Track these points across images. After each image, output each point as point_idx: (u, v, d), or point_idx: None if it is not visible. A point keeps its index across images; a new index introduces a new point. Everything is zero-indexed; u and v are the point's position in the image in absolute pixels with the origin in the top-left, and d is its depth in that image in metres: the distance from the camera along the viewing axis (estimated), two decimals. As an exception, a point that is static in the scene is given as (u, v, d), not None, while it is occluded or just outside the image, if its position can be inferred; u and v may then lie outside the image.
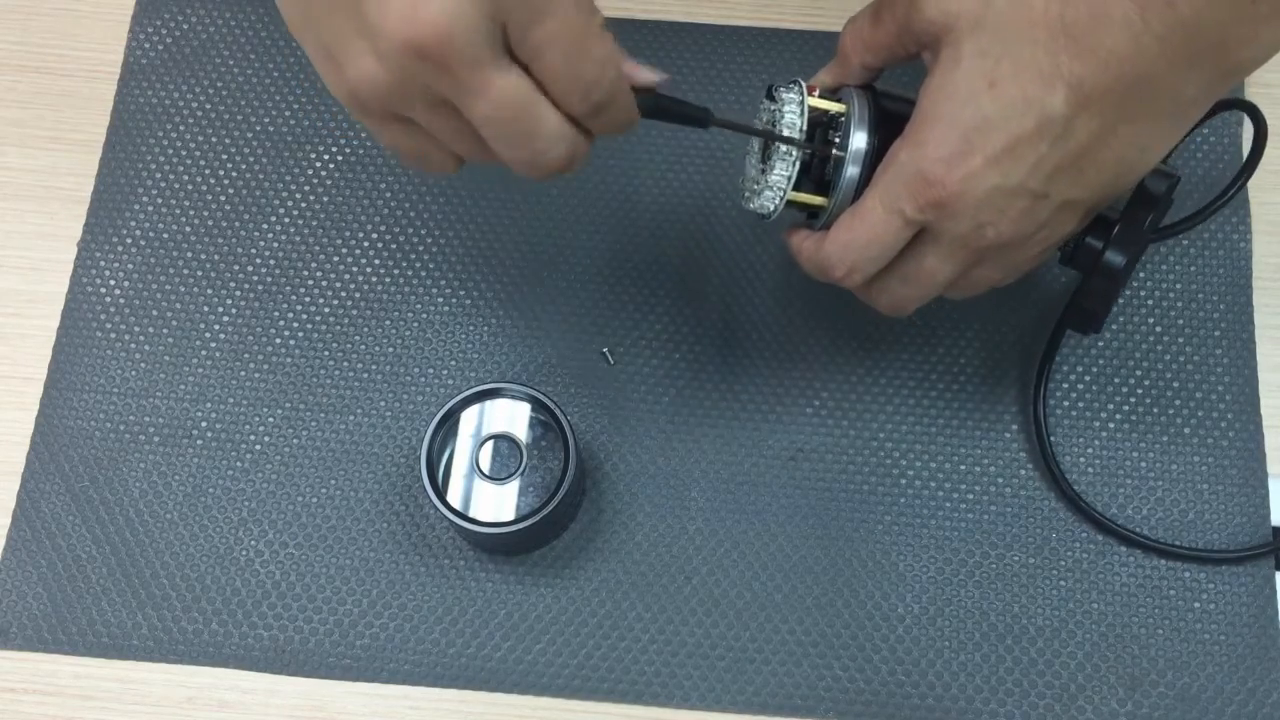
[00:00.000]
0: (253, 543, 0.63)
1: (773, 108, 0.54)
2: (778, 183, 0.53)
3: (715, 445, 0.65)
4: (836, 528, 0.63)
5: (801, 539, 0.63)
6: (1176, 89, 0.47)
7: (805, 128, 0.52)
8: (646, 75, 0.48)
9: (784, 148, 0.52)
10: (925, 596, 0.62)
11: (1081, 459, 0.64)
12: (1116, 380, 0.66)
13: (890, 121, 0.51)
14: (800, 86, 0.53)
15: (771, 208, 0.53)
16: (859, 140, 0.52)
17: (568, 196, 0.69)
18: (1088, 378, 0.66)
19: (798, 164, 0.52)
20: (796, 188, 0.53)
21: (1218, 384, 0.65)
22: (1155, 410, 0.65)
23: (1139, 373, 0.66)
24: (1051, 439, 0.64)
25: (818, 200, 0.53)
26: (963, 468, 0.64)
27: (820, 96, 0.53)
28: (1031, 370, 0.65)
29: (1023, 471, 0.64)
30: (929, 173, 0.48)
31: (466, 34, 0.40)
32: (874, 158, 0.51)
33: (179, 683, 0.61)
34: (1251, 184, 0.68)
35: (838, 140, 0.52)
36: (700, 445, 0.65)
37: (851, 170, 0.52)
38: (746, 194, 0.55)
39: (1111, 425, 0.65)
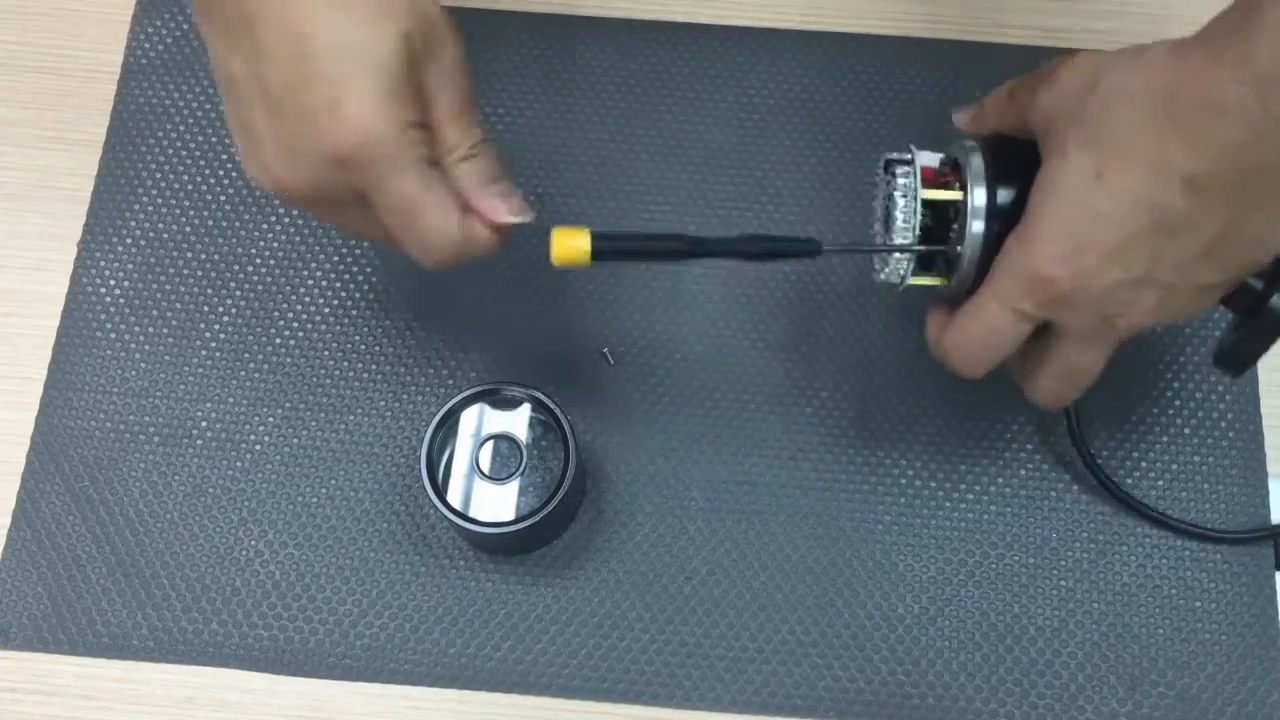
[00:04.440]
0: (253, 543, 0.63)
1: (889, 182, 0.53)
2: (896, 270, 0.53)
3: (715, 445, 0.65)
4: (836, 528, 0.63)
5: (801, 539, 0.63)
6: None
7: (918, 227, 0.52)
8: (505, 217, 0.52)
9: (900, 223, 0.52)
10: (925, 596, 0.62)
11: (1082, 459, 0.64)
12: (1116, 380, 0.66)
13: (1013, 192, 0.50)
14: (914, 171, 0.52)
15: (895, 282, 0.54)
16: (976, 228, 0.51)
17: (567, 196, 0.69)
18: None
19: (913, 259, 0.52)
20: (918, 271, 0.53)
21: (1218, 384, 0.65)
22: (1155, 410, 0.65)
23: (1140, 373, 0.66)
24: (1031, 431, 0.64)
25: (939, 282, 0.54)
26: (962, 468, 0.64)
27: (938, 173, 0.52)
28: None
29: (1023, 471, 0.64)
30: (1042, 271, 0.48)
31: (329, 188, 0.49)
32: (994, 240, 0.50)
33: (179, 683, 0.61)
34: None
35: (954, 233, 0.52)
36: (700, 445, 0.65)
37: (970, 253, 0.51)
38: (875, 264, 0.55)
39: (1112, 425, 0.65)
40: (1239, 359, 0.54)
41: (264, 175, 0.50)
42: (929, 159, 0.53)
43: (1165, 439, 0.65)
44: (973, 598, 0.62)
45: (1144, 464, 0.64)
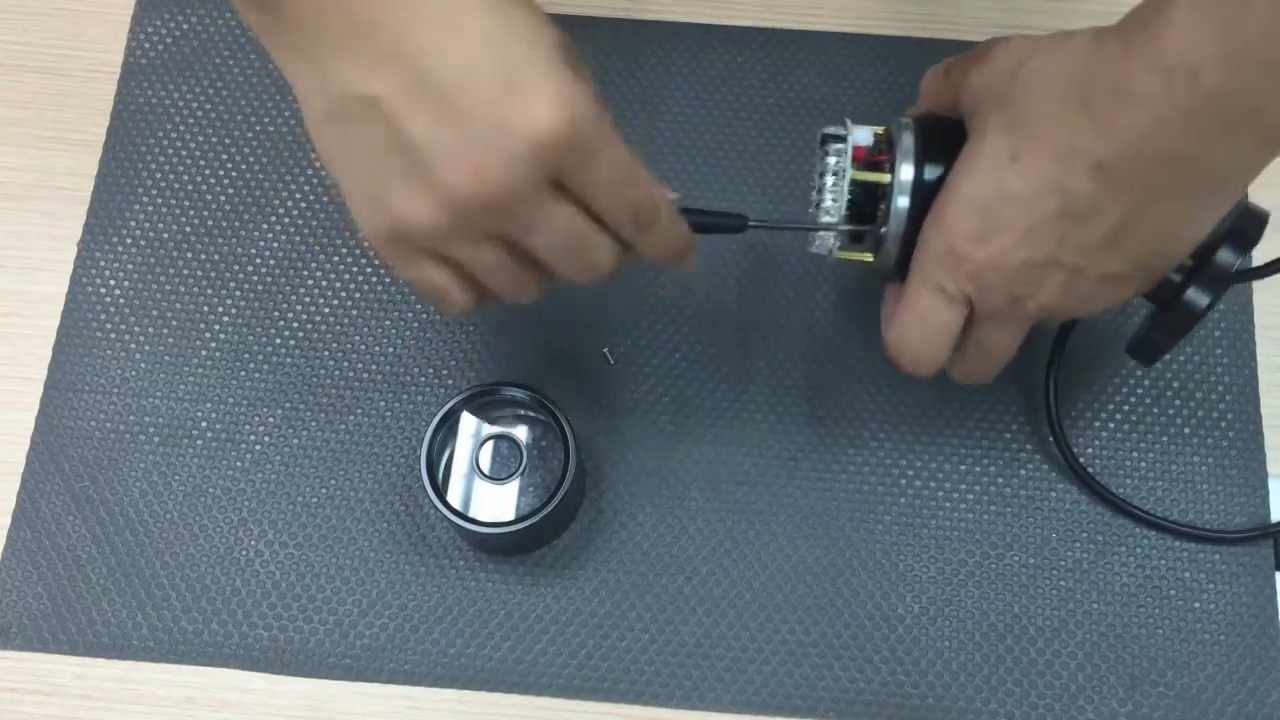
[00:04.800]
0: (253, 543, 0.63)
1: (821, 159, 0.54)
2: (825, 244, 0.55)
3: (715, 445, 0.65)
4: (836, 528, 0.63)
5: (801, 539, 0.63)
6: (1212, 162, 0.45)
7: (845, 207, 0.53)
8: (669, 193, 0.50)
9: (828, 202, 0.53)
10: (925, 596, 0.62)
11: (1082, 458, 0.64)
12: (1116, 380, 0.66)
13: (940, 170, 0.51)
14: (846, 150, 0.53)
15: (824, 254, 0.55)
16: (900, 203, 0.52)
17: (568, 196, 0.69)
18: (1088, 378, 0.66)
19: (843, 234, 0.54)
20: (848, 245, 0.55)
21: (1218, 384, 0.65)
22: (1155, 410, 0.65)
23: (1139, 373, 0.66)
24: (1030, 430, 0.64)
25: (867, 257, 0.55)
26: (962, 468, 0.64)
27: (872, 151, 0.53)
28: (1031, 369, 0.65)
29: (1023, 471, 0.64)
30: (957, 248, 0.49)
31: (527, 187, 0.44)
32: (919, 217, 0.51)
33: (179, 683, 0.61)
34: (1252, 184, 0.68)
35: (881, 211, 0.53)
36: (700, 445, 0.65)
37: (894, 229, 0.52)
38: (808, 236, 0.56)
39: (1111, 425, 0.65)
40: (1149, 350, 0.55)
41: (433, 199, 0.44)
42: (864, 136, 0.54)
43: (1165, 439, 0.65)
44: (973, 598, 0.62)
45: (1144, 464, 0.64)
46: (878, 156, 0.53)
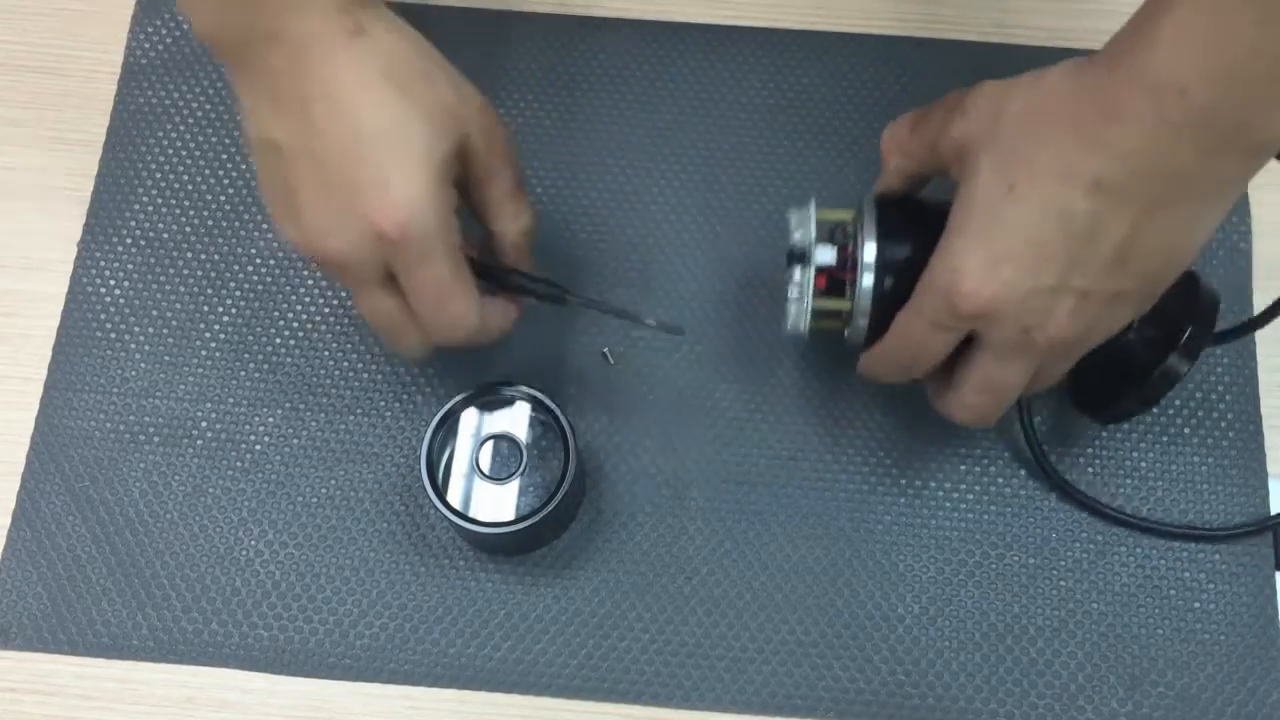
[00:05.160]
0: (253, 543, 0.63)
1: (788, 277, 0.57)
2: (796, 325, 0.57)
3: (715, 445, 0.65)
4: (836, 528, 0.63)
5: (801, 539, 0.63)
6: (1205, 173, 0.46)
7: (810, 321, 0.57)
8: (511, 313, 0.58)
9: (795, 291, 0.57)
10: (925, 596, 0.62)
11: (1081, 458, 0.64)
12: (1116, 380, 0.66)
13: (906, 248, 0.54)
14: (809, 276, 0.56)
15: (800, 334, 0.58)
16: (864, 305, 0.55)
17: (567, 197, 0.69)
18: (1088, 378, 0.66)
19: (810, 316, 0.57)
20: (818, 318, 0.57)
21: (1218, 384, 0.65)
22: (1155, 410, 0.65)
23: (1139, 373, 0.66)
24: (1038, 430, 0.64)
25: (840, 325, 0.57)
26: (962, 468, 0.64)
27: (831, 276, 0.56)
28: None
29: (1023, 471, 0.64)
30: (962, 286, 0.49)
31: (360, 265, 0.52)
32: (887, 303, 0.54)
33: (179, 683, 0.61)
34: (1251, 184, 0.68)
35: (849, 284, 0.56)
36: (700, 445, 0.65)
37: (863, 318, 0.55)
38: (783, 320, 0.59)
39: (1111, 425, 0.65)
40: (1118, 412, 0.59)
41: (299, 237, 0.52)
42: (826, 256, 0.56)
43: (1165, 439, 0.65)
44: (973, 598, 0.62)
45: (1144, 464, 0.64)
46: (841, 274, 0.56)
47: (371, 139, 0.50)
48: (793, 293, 0.57)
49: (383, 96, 0.50)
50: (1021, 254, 0.47)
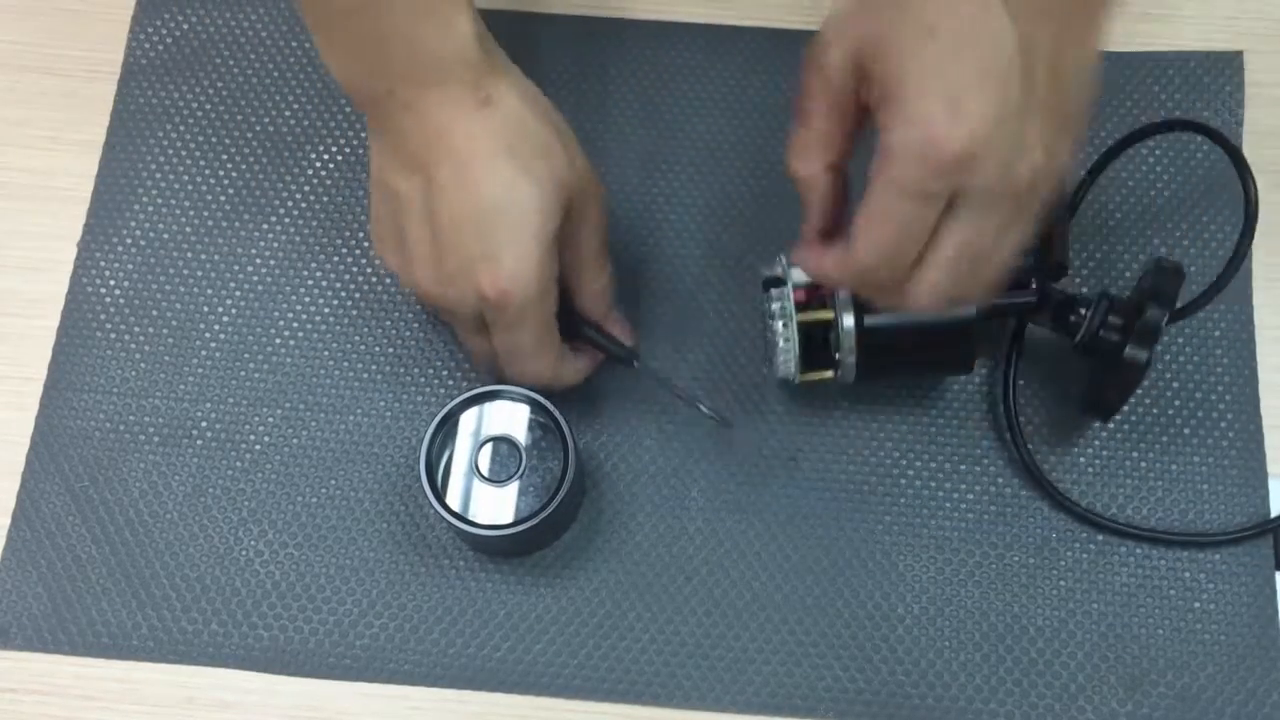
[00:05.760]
0: (253, 543, 0.63)
1: (766, 306, 0.60)
2: (787, 370, 0.60)
3: (715, 445, 0.65)
4: (836, 528, 0.63)
5: (801, 539, 0.63)
6: None
7: (798, 348, 0.59)
8: (628, 338, 0.63)
9: (781, 341, 0.59)
10: (925, 596, 0.62)
11: (1081, 459, 0.64)
12: (1116, 380, 0.66)
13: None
14: (787, 294, 0.59)
15: (790, 378, 0.61)
16: (847, 323, 0.58)
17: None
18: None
19: (798, 358, 0.59)
20: (807, 369, 0.60)
21: (1218, 384, 0.65)
22: (1155, 410, 0.65)
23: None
24: (1032, 431, 0.64)
25: (826, 376, 0.60)
26: (962, 468, 0.64)
27: (809, 294, 0.59)
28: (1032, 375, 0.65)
29: (1023, 472, 0.64)
30: (936, 136, 0.45)
31: (460, 318, 0.58)
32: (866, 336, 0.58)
33: (179, 683, 0.61)
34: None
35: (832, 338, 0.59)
36: (700, 445, 0.65)
37: (847, 346, 0.59)
38: (767, 367, 0.63)
39: (1111, 426, 0.65)
40: (1105, 407, 0.60)
41: (404, 277, 0.58)
42: (801, 276, 0.58)
43: (1165, 439, 0.65)
44: (973, 598, 0.62)
45: (1144, 464, 0.64)
46: (819, 291, 0.59)
47: (489, 213, 0.54)
48: (777, 328, 0.59)
49: (504, 171, 0.54)
50: (977, 83, 0.46)
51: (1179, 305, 0.60)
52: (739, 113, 0.71)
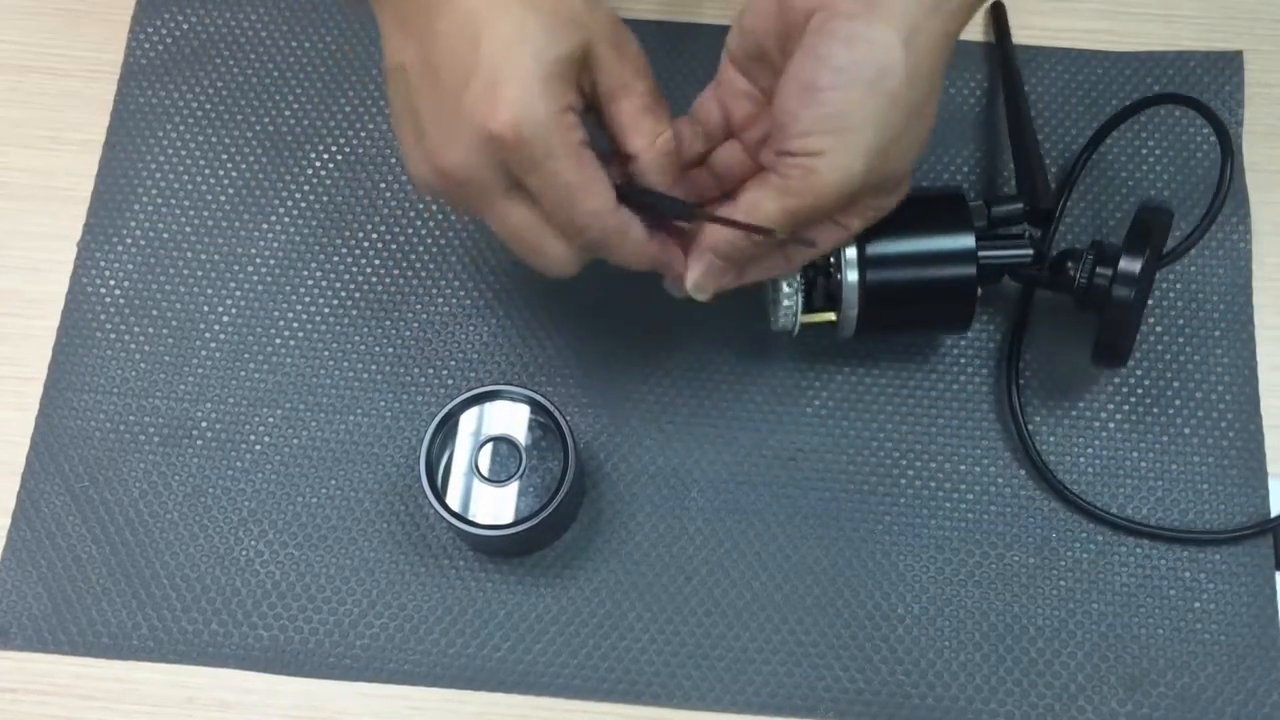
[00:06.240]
0: (253, 543, 0.63)
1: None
2: (788, 320, 0.60)
3: (715, 445, 0.65)
4: (836, 528, 0.63)
5: (801, 539, 0.63)
6: None
7: (800, 294, 0.59)
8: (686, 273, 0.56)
9: (785, 286, 0.59)
10: (925, 596, 0.62)
11: (1081, 459, 0.64)
12: (1116, 380, 0.66)
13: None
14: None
15: (789, 329, 0.61)
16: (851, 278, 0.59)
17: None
18: (1088, 378, 0.66)
19: (799, 310, 0.60)
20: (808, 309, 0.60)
21: (1218, 384, 0.65)
22: (1155, 410, 0.65)
23: (1139, 373, 0.66)
24: (1033, 431, 0.64)
25: (829, 318, 0.60)
26: (963, 468, 0.64)
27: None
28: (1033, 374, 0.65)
29: (1023, 471, 0.64)
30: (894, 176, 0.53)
31: (479, 173, 0.50)
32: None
33: (179, 683, 0.61)
34: (1251, 184, 0.69)
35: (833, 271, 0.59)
36: (700, 445, 0.65)
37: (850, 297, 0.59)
38: (769, 318, 0.61)
39: (1111, 425, 0.65)
40: (1109, 351, 0.59)
41: (425, 161, 0.52)
42: None
43: (1165, 439, 0.65)
44: (973, 598, 0.62)
45: (1144, 464, 0.64)
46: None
47: (488, 46, 0.49)
48: (783, 292, 0.59)
49: (504, 6, 0.49)
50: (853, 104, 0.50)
51: (1172, 247, 0.62)
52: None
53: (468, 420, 0.60)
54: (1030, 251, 0.61)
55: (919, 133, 0.52)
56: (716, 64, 0.71)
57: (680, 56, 0.72)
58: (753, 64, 0.56)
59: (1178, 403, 0.65)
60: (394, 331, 0.67)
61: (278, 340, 0.67)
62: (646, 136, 0.53)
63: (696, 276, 0.55)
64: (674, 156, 0.54)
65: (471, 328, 0.67)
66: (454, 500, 0.58)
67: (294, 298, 0.67)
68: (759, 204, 0.52)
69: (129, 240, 0.68)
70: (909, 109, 0.50)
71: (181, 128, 0.71)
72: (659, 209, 0.54)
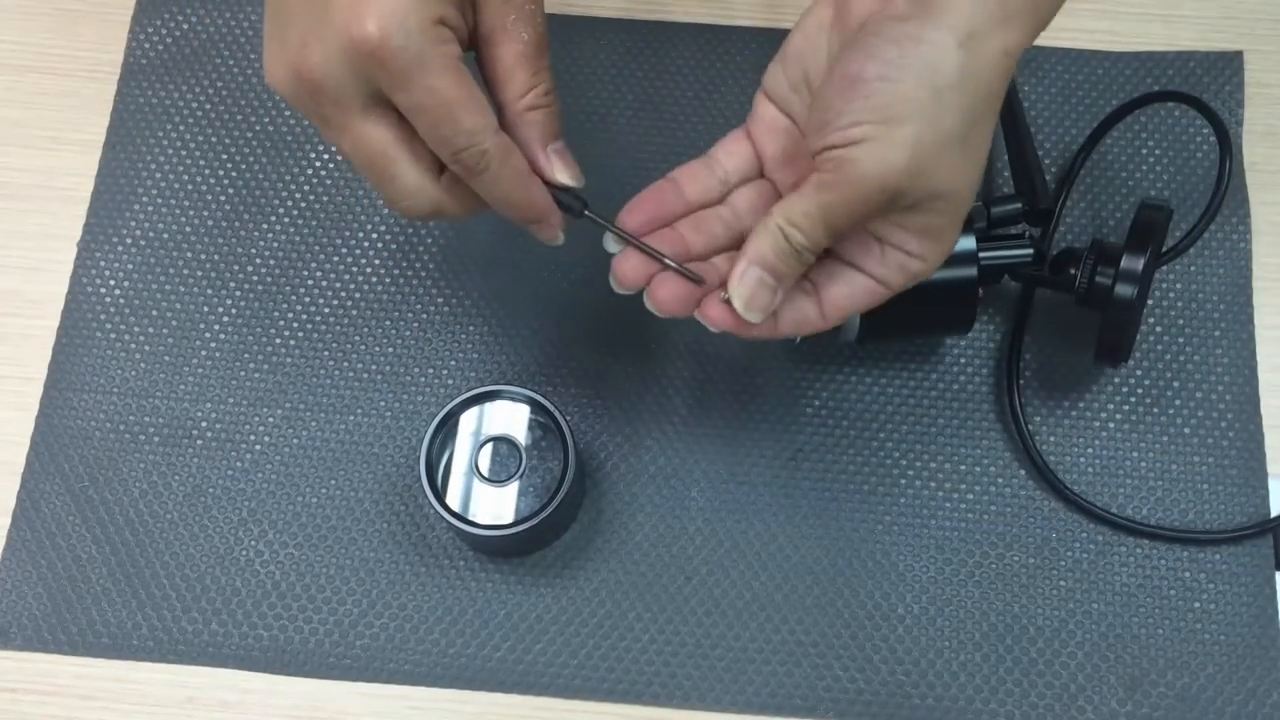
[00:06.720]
0: (253, 543, 0.63)
1: None
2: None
3: (715, 445, 0.65)
4: (836, 528, 0.63)
5: (801, 539, 0.63)
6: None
7: None
8: (561, 176, 0.51)
9: None
10: (925, 596, 0.62)
11: (1081, 459, 0.64)
12: (1116, 380, 0.66)
13: None
14: None
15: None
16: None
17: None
18: (1088, 378, 0.66)
19: None
20: None
21: (1218, 384, 0.65)
22: (1155, 410, 0.65)
23: (1139, 372, 0.66)
24: (1033, 431, 0.64)
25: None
26: (963, 468, 0.64)
27: None
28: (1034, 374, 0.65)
29: (1023, 471, 0.64)
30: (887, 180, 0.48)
31: (338, 83, 0.46)
32: None
33: (179, 683, 0.61)
34: (1250, 184, 0.69)
35: None
36: (700, 445, 0.65)
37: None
38: None
39: (1111, 425, 0.65)
40: (1108, 349, 0.60)
41: (283, 62, 0.47)
42: None
43: (1165, 439, 0.65)
44: (973, 598, 0.62)
45: (1144, 464, 0.64)
46: None
47: None
48: None
49: None
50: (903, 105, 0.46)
51: (1172, 245, 0.63)
52: (739, 113, 0.71)
53: (468, 420, 0.60)
54: (1030, 251, 0.62)
55: (971, 152, 0.47)
56: (682, 61, 0.71)
57: (643, 54, 0.72)
58: (793, 95, 0.53)
59: (1178, 403, 0.65)
60: (394, 331, 0.67)
61: (278, 340, 0.67)
62: (517, 89, 0.49)
63: (746, 294, 0.51)
64: (546, 116, 0.50)
65: (471, 328, 0.67)
66: (454, 500, 0.58)
67: (294, 298, 0.67)
68: (793, 205, 0.48)
69: (129, 240, 0.68)
70: (960, 113, 0.46)
71: (181, 128, 0.71)
72: (572, 212, 0.52)
